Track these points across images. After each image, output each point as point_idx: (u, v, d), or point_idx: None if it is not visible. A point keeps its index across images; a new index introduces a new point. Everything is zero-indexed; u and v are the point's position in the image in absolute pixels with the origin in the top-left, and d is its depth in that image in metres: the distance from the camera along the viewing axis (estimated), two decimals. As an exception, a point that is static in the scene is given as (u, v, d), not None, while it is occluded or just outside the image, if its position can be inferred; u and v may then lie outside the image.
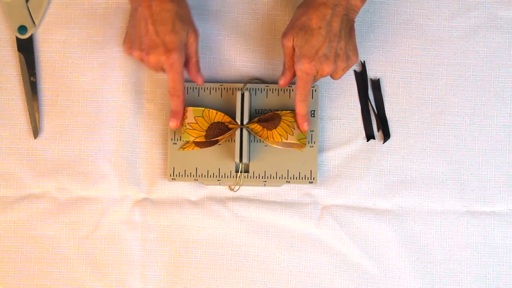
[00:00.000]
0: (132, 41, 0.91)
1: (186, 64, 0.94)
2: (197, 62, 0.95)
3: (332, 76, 0.94)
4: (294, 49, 0.91)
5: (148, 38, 0.89)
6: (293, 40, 0.91)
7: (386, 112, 1.02)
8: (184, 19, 0.90)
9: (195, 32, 0.92)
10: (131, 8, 0.92)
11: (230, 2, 1.03)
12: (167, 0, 0.88)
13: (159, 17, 0.88)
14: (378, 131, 1.02)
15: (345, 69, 0.93)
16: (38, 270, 1.00)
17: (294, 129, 0.97)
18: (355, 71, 1.02)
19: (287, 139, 0.97)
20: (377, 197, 1.01)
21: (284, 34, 0.92)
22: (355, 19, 0.92)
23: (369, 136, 1.01)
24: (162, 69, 0.92)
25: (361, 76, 1.02)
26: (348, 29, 0.91)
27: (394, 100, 1.02)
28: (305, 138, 0.97)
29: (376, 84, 1.02)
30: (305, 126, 0.95)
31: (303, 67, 0.90)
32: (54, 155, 1.01)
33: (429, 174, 1.01)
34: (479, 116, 1.01)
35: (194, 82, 0.96)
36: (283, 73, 0.95)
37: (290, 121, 0.97)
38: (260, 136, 0.97)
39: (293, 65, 0.93)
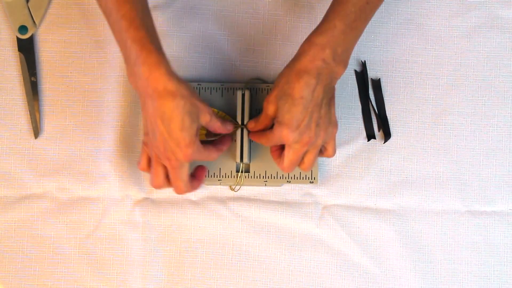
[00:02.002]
0: (147, 136, 0.88)
1: (214, 132, 0.92)
2: (222, 123, 0.91)
3: (308, 154, 0.91)
4: (275, 114, 0.89)
5: (159, 139, 0.85)
6: (276, 107, 0.88)
7: (387, 112, 1.02)
8: (191, 111, 0.84)
9: (208, 110, 0.87)
10: (140, 99, 0.87)
11: (231, 2, 1.03)
12: (170, 98, 0.82)
13: (165, 117, 0.83)
14: (378, 131, 1.02)
15: (324, 140, 0.90)
16: (39, 270, 1.00)
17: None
18: (355, 70, 1.02)
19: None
20: (377, 197, 1.01)
21: (267, 100, 0.89)
22: (335, 86, 0.90)
23: (370, 136, 1.01)
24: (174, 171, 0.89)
25: (361, 76, 1.02)
26: (329, 97, 0.89)
27: (395, 100, 1.02)
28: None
29: (377, 83, 1.02)
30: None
31: (281, 134, 0.87)
32: (55, 155, 1.01)
33: (430, 174, 1.01)
34: (480, 116, 1.01)
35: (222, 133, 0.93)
36: (257, 120, 0.93)
37: None
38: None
39: (268, 124, 0.92)
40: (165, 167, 0.88)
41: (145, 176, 1.01)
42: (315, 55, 0.86)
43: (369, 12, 0.89)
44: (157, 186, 0.89)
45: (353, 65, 1.02)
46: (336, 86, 1.01)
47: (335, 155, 1.00)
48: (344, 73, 0.88)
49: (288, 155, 0.89)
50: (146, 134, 0.88)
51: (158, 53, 0.82)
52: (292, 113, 0.86)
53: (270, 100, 0.89)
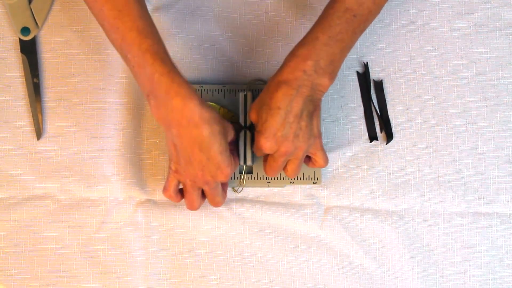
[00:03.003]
0: (178, 165, 0.90)
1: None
2: (235, 136, 0.93)
3: (290, 163, 0.92)
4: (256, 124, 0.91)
5: (188, 172, 0.88)
6: (256, 116, 0.90)
7: (389, 113, 1.02)
8: (223, 133, 0.86)
9: (232, 129, 0.90)
10: (166, 132, 0.88)
11: (232, 3, 1.03)
12: (207, 126, 0.84)
13: (204, 144, 0.85)
14: (381, 132, 1.02)
15: (306, 151, 0.91)
16: (41, 271, 1.00)
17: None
18: (357, 72, 1.02)
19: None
20: (380, 198, 1.01)
21: (250, 108, 0.92)
22: (321, 98, 0.90)
23: (372, 137, 1.01)
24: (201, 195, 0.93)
25: (363, 77, 1.02)
26: (312, 110, 0.89)
27: (397, 101, 1.02)
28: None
29: (379, 85, 1.02)
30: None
31: (259, 143, 0.89)
32: (57, 157, 1.01)
33: (432, 175, 1.01)
34: (482, 117, 1.01)
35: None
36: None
37: None
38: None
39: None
40: (200, 190, 0.92)
41: (148, 178, 1.00)
42: (296, 66, 0.87)
43: (357, 25, 0.89)
44: (196, 208, 0.94)
45: (355, 66, 1.02)
46: (338, 87, 1.02)
47: (338, 155, 1.01)
48: (331, 85, 0.89)
49: (269, 161, 0.92)
50: (176, 162, 0.89)
51: (188, 85, 0.84)
52: (269, 123, 0.88)
53: (251, 109, 0.91)
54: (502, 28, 1.02)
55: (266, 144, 0.89)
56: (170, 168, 0.91)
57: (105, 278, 0.99)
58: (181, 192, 0.94)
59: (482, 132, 1.01)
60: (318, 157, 0.93)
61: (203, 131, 0.84)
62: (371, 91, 1.02)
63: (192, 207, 0.93)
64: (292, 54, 0.89)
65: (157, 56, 0.84)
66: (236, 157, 0.94)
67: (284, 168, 0.93)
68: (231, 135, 0.90)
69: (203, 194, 0.94)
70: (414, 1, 1.03)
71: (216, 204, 0.94)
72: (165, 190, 0.93)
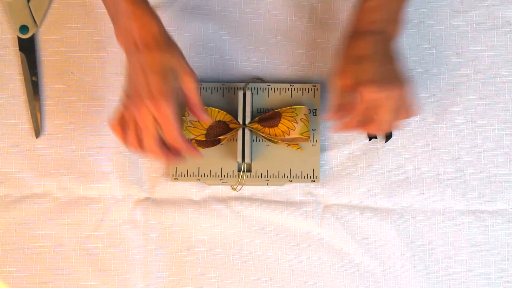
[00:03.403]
0: (128, 94, 0.86)
1: (189, 106, 0.89)
2: (200, 102, 0.88)
3: (402, 110, 0.87)
4: (353, 84, 0.85)
5: (136, 82, 0.84)
6: (352, 75, 0.86)
7: (388, 111, 1.02)
8: (175, 69, 0.84)
9: (191, 75, 0.86)
10: (125, 58, 0.87)
11: (231, 2, 1.03)
12: (157, 51, 0.83)
13: (147, 67, 0.83)
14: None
15: (406, 94, 0.86)
16: (40, 269, 1.00)
17: (296, 123, 0.97)
18: None
19: (289, 135, 0.97)
20: (379, 196, 1.01)
21: (341, 75, 0.86)
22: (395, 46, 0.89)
23: (371, 135, 1.01)
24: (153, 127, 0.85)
25: None
26: (394, 55, 0.87)
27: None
28: (308, 131, 0.97)
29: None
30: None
31: (371, 95, 0.84)
32: (56, 155, 1.01)
33: (431, 173, 1.01)
34: (481, 115, 1.01)
35: (200, 120, 0.91)
36: (337, 107, 0.88)
37: (290, 116, 0.97)
38: (262, 133, 0.97)
39: (342, 102, 0.87)
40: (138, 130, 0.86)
41: (147, 176, 1.01)
42: (372, 17, 0.86)
43: None
44: (132, 146, 0.86)
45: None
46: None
47: (336, 153, 1.01)
48: (401, 30, 0.88)
49: (384, 116, 0.86)
50: (127, 95, 0.85)
51: (149, 9, 0.84)
52: (371, 70, 0.85)
53: (344, 71, 0.86)
54: (501, 26, 1.02)
55: (381, 91, 0.83)
56: (120, 100, 0.87)
57: (103, 276, 0.99)
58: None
59: (481, 130, 1.01)
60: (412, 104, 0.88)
61: (152, 54, 0.83)
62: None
63: (128, 143, 0.86)
64: (363, 6, 0.87)
65: None
66: (187, 145, 0.87)
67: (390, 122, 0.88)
68: (186, 81, 0.85)
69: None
70: (412, 0, 1.03)
71: (147, 148, 0.85)
72: (109, 122, 0.88)
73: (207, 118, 0.90)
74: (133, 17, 0.83)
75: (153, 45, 0.83)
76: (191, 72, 0.86)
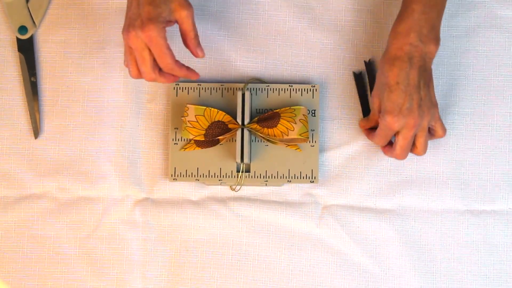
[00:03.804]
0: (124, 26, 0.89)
1: (184, 41, 0.91)
2: (196, 35, 0.91)
3: (418, 138, 0.94)
4: (379, 108, 0.93)
5: (130, 13, 0.87)
6: (379, 100, 0.93)
7: (386, 112, 1.02)
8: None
9: (186, 7, 0.88)
10: None
11: (230, 2, 1.03)
12: None
13: None
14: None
15: (430, 122, 0.93)
16: (39, 270, 1.00)
17: (295, 123, 0.97)
18: (354, 73, 1.02)
19: (288, 135, 0.97)
20: (377, 196, 1.01)
21: (372, 96, 0.95)
22: (431, 67, 0.92)
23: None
24: (146, 53, 0.88)
25: (360, 78, 1.02)
26: (427, 79, 0.91)
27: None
28: (307, 132, 0.97)
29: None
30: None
31: (386, 122, 0.91)
32: (54, 155, 1.01)
33: (430, 173, 1.01)
34: (479, 115, 1.02)
35: (195, 56, 0.93)
36: (368, 119, 0.98)
37: (289, 117, 0.97)
38: (261, 134, 0.97)
39: (377, 120, 0.95)
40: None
41: (146, 176, 1.01)
42: (402, 42, 0.90)
43: None
44: (134, 76, 0.91)
45: (353, 66, 1.02)
46: (335, 86, 1.02)
47: (335, 154, 1.01)
48: (436, 51, 0.91)
49: (399, 141, 0.93)
50: (124, 28, 0.88)
51: None
52: (392, 99, 0.90)
53: (373, 95, 0.94)
54: (499, 26, 1.02)
55: (395, 120, 0.90)
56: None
57: (102, 276, 0.99)
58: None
59: (479, 130, 1.01)
60: (438, 126, 0.95)
61: None
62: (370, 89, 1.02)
63: (131, 73, 0.91)
64: (394, 31, 0.91)
65: None
66: (196, 47, 0.92)
67: (413, 148, 0.95)
68: (178, 12, 0.87)
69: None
70: (411, 0, 1.03)
71: (143, 74, 0.89)
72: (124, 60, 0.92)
73: (202, 54, 0.92)
74: None
75: None
76: (186, 2, 0.87)
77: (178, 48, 1.02)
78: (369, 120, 0.98)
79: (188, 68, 0.92)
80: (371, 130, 0.98)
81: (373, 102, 0.94)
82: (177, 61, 0.89)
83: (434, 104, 0.93)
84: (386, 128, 0.92)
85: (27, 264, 0.99)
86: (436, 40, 0.91)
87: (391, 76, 0.90)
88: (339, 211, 1.00)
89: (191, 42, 0.91)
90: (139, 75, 0.90)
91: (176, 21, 0.89)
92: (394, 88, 0.90)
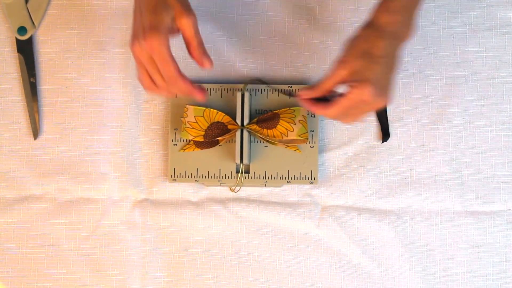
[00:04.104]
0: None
1: (188, 50, 0.87)
2: (200, 44, 0.86)
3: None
4: (347, 77, 0.84)
5: (135, 25, 0.84)
6: (352, 67, 0.84)
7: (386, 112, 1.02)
8: (169, 4, 0.83)
9: (187, 14, 0.84)
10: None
11: (229, 3, 1.03)
12: None
13: (144, 6, 0.83)
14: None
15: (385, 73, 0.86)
16: (38, 270, 1.00)
17: (294, 124, 0.97)
18: None
19: (287, 136, 0.97)
20: (377, 197, 1.01)
21: (342, 61, 0.85)
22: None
23: (385, 133, 1.01)
24: (151, 63, 0.84)
25: None
26: (398, 62, 0.86)
27: (394, 100, 1.02)
28: (306, 132, 0.97)
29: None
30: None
31: (364, 93, 0.83)
32: (54, 156, 1.01)
33: (429, 174, 1.01)
34: (479, 116, 1.02)
35: (201, 67, 0.87)
36: (311, 87, 0.88)
37: (289, 117, 0.97)
38: (261, 135, 0.97)
39: (330, 89, 0.86)
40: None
41: (145, 177, 1.01)
42: (389, 18, 0.84)
43: None
44: (147, 87, 0.86)
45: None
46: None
47: (335, 155, 1.01)
48: (412, 37, 0.87)
49: (358, 116, 0.86)
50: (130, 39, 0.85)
51: None
52: (379, 73, 0.83)
53: (345, 61, 0.84)
54: (498, 27, 1.02)
55: (374, 93, 0.82)
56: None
57: (102, 277, 0.99)
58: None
59: (479, 131, 1.01)
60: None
61: None
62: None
63: (142, 84, 0.86)
64: (385, 6, 0.85)
65: None
66: (202, 56, 0.87)
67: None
68: (180, 20, 0.84)
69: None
70: (410, 1, 1.03)
71: (168, 72, 0.84)
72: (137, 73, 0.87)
73: (208, 64, 0.87)
74: None
75: None
76: (187, 9, 0.83)
77: (176, 48, 1.02)
78: (316, 89, 0.87)
79: (193, 84, 0.86)
80: (316, 101, 0.88)
81: (342, 68, 0.84)
82: (181, 73, 0.84)
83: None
84: (358, 100, 0.84)
85: (27, 265, 0.99)
86: (416, 26, 0.87)
87: (382, 49, 0.84)
88: (338, 212, 1.00)
89: (195, 51, 0.86)
90: (152, 86, 0.86)
91: (179, 29, 0.85)
92: (381, 61, 0.83)
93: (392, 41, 0.85)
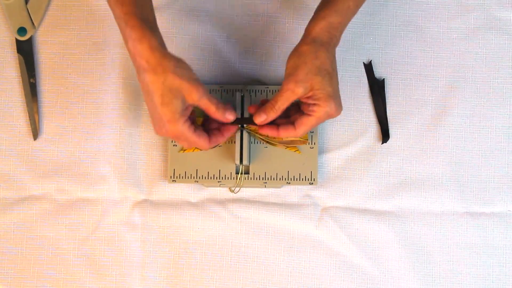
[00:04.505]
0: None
1: (209, 114, 0.87)
2: (218, 109, 0.87)
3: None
4: (303, 94, 0.86)
5: (150, 112, 0.85)
6: (308, 85, 0.86)
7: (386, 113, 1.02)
8: (174, 87, 0.82)
9: (195, 89, 0.83)
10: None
11: (229, 4, 1.03)
12: (150, 72, 0.82)
13: (149, 90, 0.83)
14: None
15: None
16: (37, 271, 1.00)
17: (294, 125, 0.97)
18: (364, 63, 1.02)
19: (287, 137, 0.97)
20: (376, 198, 1.01)
21: (295, 80, 0.86)
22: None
23: (385, 134, 1.01)
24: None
25: (372, 76, 1.02)
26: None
27: (394, 101, 1.02)
28: (306, 133, 0.97)
29: (381, 84, 1.02)
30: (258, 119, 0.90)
31: (329, 109, 0.86)
32: (53, 157, 1.01)
33: (429, 175, 1.01)
34: (479, 117, 1.02)
35: (225, 122, 0.89)
36: (266, 111, 0.88)
37: None
38: (260, 136, 0.97)
39: (285, 109, 0.88)
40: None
41: (145, 178, 1.01)
42: (331, 32, 0.87)
43: None
44: (206, 147, 0.89)
45: (352, 67, 1.02)
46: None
47: (334, 156, 1.01)
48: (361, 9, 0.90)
49: (310, 123, 0.88)
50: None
51: (143, 27, 0.82)
52: (333, 86, 0.87)
53: (301, 80, 0.86)
54: (498, 28, 1.02)
55: (337, 108, 0.86)
56: None
57: (101, 278, 0.99)
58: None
59: (479, 132, 1.01)
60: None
61: (147, 76, 0.82)
62: (371, 91, 1.02)
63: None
64: (326, 21, 0.87)
65: (125, 1, 0.83)
66: (212, 138, 0.89)
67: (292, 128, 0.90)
68: (191, 96, 0.84)
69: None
70: (410, 2, 1.03)
71: (200, 147, 0.88)
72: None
73: (232, 116, 0.88)
74: (128, 38, 0.82)
75: (146, 68, 0.82)
76: (193, 83, 0.84)
77: (175, 48, 1.02)
78: (271, 112, 0.88)
79: (222, 132, 0.91)
80: (274, 125, 0.90)
81: (297, 87, 0.86)
82: (211, 140, 0.88)
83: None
84: (326, 116, 0.87)
85: (26, 265, 0.99)
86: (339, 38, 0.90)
87: (330, 63, 0.87)
88: (338, 212, 1.00)
89: (216, 115, 0.87)
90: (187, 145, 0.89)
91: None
92: (335, 74, 0.87)
93: (334, 52, 0.88)
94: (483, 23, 1.03)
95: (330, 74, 0.86)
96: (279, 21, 1.03)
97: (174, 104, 0.83)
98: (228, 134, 0.91)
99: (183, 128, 0.84)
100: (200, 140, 0.87)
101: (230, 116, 0.88)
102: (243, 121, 0.95)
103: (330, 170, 1.01)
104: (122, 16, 0.82)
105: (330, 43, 0.87)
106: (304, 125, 0.88)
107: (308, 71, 0.86)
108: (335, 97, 0.87)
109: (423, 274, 1.00)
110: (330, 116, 0.87)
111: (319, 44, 0.87)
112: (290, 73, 0.86)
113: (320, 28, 0.87)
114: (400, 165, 1.01)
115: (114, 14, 0.84)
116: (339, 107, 0.87)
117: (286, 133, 0.89)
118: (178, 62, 0.83)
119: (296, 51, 0.87)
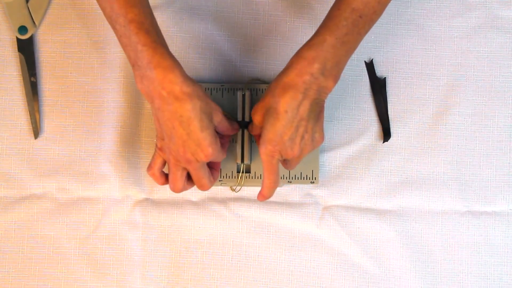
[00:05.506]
0: (162, 141, 0.88)
1: (223, 133, 0.91)
2: (228, 125, 0.91)
3: (291, 162, 0.90)
4: (261, 124, 0.88)
5: (181, 142, 0.85)
6: (262, 117, 0.87)
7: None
8: (206, 111, 0.84)
9: (218, 109, 0.87)
10: (153, 106, 0.85)
11: (230, 2, 1.03)
12: (187, 100, 0.82)
13: (183, 118, 0.83)
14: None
15: (309, 152, 0.89)
16: (38, 270, 1.00)
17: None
18: (365, 62, 1.02)
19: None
20: (378, 197, 1.01)
21: (254, 109, 0.88)
22: (325, 100, 0.87)
23: (387, 133, 1.01)
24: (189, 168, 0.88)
25: (372, 75, 1.02)
26: (318, 112, 0.87)
27: (395, 100, 1.02)
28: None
29: (382, 82, 1.02)
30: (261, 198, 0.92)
31: (267, 150, 0.86)
32: (54, 155, 1.01)
33: (430, 174, 1.01)
34: (480, 116, 1.02)
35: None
36: (251, 127, 0.94)
37: None
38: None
39: (259, 132, 0.90)
40: (184, 170, 0.88)
41: (146, 177, 1.01)
42: (303, 69, 0.84)
43: (362, 26, 0.86)
44: (179, 190, 0.90)
45: (353, 66, 1.02)
46: (336, 86, 1.01)
47: (336, 155, 1.01)
48: (333, 87, 0.86)
49: (275, 166, 0.88)
50: (161, 139, 0.87)
51: (171, 57, 0.83)
52: (276, 128, 0.85)
53: (256, 110, 0.88)
54: (500, 27, 1.02)
55: (273, 148, 0.86)
56: (156, 145, 0.90)
57: (102, 277, 0.99)
58: (167, 176, 0.92)
59: (480, 131, 1.01)
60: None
61: (183, 105, 0.82)
62: (371, 90, 1.02)
63: (174, 187, 0.89)
64: (299, 56, 0.85)
65: (142, 26, 0.83)
66: (223, 143, 0.92)
67: (283, 163, 0.91)
68: (216, 117, 0.86)
69: (191, 179, 0.91)
70: (412, 0, 1.03)
71: (201, 186, 0.89)
72: (149, 168, 0.91)
73: (237, 128, 0.95)
74: (154, 67, 0.82)
75: (181, 96, 0.82)
76: (216, 106, 0.87)
77: (176, 47, 1.02)
78: (253, 129, 0.93)
79: (223, 149, 0.91)
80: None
81: (255, 117, 0.88)
82: (212, 176, 0.91)
83: (318, 137, 0.88)
84: (268, 157, 0.87)
85: (27, 265, 0.99)
86: (337, 77, 0.86)
87: (282, 103, 0.84)
88: (339, 211, 1.00)
89: (230, 132, 0.93)
90: (185, 188, 0.91)
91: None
92: (281, 117, 0.84)
93: (299, 96, 0.85)
94: (485, 22, 1.02)
95: (278, 116, 0.85)
96: (281, 19, 1.03)
97: (210, 128, 0.85)
98: (227, 144, 0.95)
99: (218, 147, 0.86)
100: (223, 152, 0.91)
101: (237, 127, 0.95)
102: (244, 125, 0.96)
103: (331, 169, 1.01)
104: (148, 44, 0.82)
105: (294, 83, 0.84)
106: (298, 159, 0.90)
107: (263, 105, 0.88)
108: (273, 140, 0.86)
109: (424, 273, 1.00)
110: (269, 156, 0.87)
111: (282, 82, 0.85)
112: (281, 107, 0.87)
113: (290, 63, 0.86)
114: (402, 164, 1.01)
115: (129, 42, 0.83)
116: (277, 150, 0.86)
117: (283, 167, 0.94)
118: (201, 87, 0.85)
119: (270, 84, 0.89)
